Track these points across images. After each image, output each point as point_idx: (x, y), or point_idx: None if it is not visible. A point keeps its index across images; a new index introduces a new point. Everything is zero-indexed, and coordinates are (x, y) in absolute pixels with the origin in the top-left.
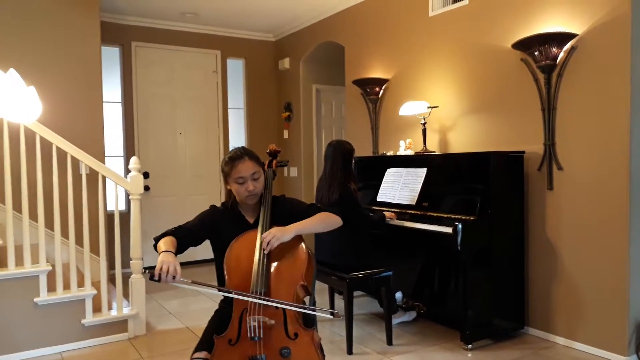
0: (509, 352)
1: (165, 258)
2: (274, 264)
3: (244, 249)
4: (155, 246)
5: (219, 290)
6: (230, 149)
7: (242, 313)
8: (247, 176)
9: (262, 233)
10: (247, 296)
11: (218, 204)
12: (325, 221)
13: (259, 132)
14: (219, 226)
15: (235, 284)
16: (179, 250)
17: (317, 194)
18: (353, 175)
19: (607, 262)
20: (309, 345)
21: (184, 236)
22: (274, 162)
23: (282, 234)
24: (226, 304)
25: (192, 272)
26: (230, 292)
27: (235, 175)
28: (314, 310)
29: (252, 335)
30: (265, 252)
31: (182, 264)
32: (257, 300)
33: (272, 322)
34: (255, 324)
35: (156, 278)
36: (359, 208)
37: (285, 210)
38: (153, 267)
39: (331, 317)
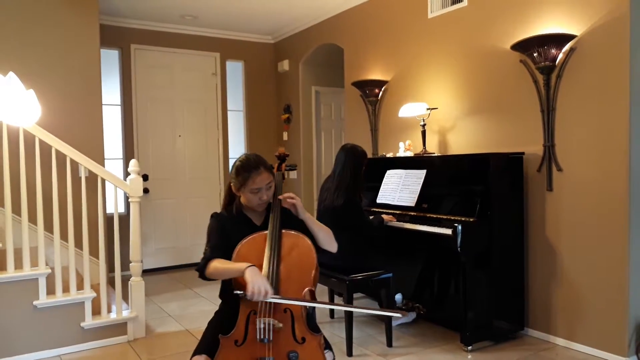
0: (509, 353)
1: (255, 278)
2: (284, 267)
3: (253, 249)
4: (203, 275)
5: (324, 304)
6: (241, 155)
7: (249, 314)
8: (263, 187)
9: (272, 235)
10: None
11: (217, 207)
12: (328, 235)
13: (258, 135)
14: (227, 230)
15: (243, 284)
16: None
17: (321, 193)
18: (361, 182)
19: (607, 263)
20: (316, 350)
21: (221, 256)
22: (283, 165)
23: (300, 204)
24: (227, 304)
25: (190, 275)
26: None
27: (251, 186)
28: (385, 310)
29: (262, 337)
30: (281, 199)
31: (180, 267)
32: (272, 300)
33: (281, 325)
34: (264, 326)
35: (249, 297)
36: (362, 216)
37: (289, 217)
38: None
39: (399, 315)
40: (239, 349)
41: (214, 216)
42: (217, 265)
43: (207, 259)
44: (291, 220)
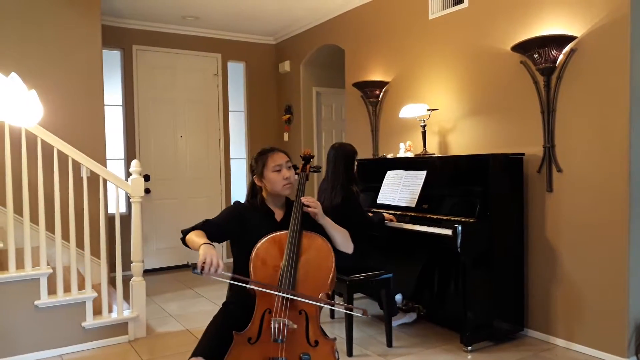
0: (509, 354)
1: (208, 251)
2: (302, 268)
3: (273, 248)
4: (183, 239)
5: (263, 287)
6: (261, 149)
7: (264, 313)
8: (283, 163)
9: (292, 235)
10: (283, 292)
11: (218, 207)
12: (345, 238)
13: (259, 135)
14: (245, 221)
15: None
16: None
17: (319, 196)
18: (355, 177)
19: (607, 264)
20: (329, 355)
21: (212, 232)
22: (308, 166)
23: (321, 212)
24: (236, 299)
25: (190, 275)
26: (278, 290)
27: (271, 164)
28: (347, 307)
29: (277, 337)
30: (304, 203)
31: (181, 267)
32: (288, 296)
33: (295, 326)
34: (279, 326)
35: (198, 271)
36: (361, 211)
37: (308, 218)
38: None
39: (360, 315)
40: (252, 347)
41: (236, 203)
42: (193, 236)
43: (195, 226)
44: (312, 221)
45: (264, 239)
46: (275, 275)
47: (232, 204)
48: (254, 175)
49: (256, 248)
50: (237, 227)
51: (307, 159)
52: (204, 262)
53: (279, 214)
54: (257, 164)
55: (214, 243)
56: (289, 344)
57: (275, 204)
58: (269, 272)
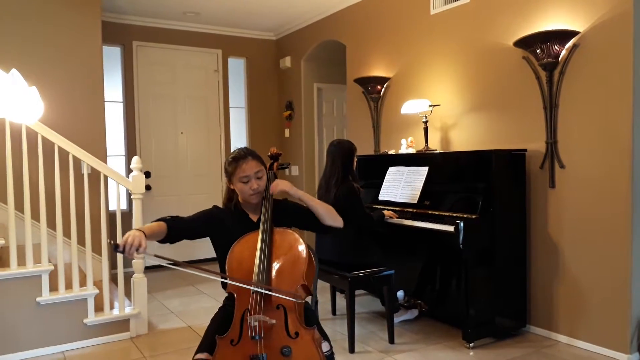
0: (511, 350)
1: (132, 232)
2: (275, 264)
3: (246, 249)
4: None
5: (186, 268)
6: (233, 150)
7: (244, 313)
8: (251, 175)
9: (263, 234)
10: (235, 280)
11: (218, 203)
12: (329, 211)
13: (260, 131)
14: (222, 225)
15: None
16: (171, 239)
17: (318, 192)
18: (353, 173)
19: (610, 260)
20: (309, 344)
21: (179, 227)
22: (275, 164)
23: (289, 186)
24: (230, 301)
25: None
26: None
27: (239, 174)
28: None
29: (253, 334)
30: (271, 192)
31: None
32: (253, 288)
33: (273, 321)
34: (256, 323)
35: (120, 249)
36: (359, 205)
37: (288, 211)
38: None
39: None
40: (235, 348)
41: (214, 207)
42: (150, 224)
43: (162, 218)
44: (286, 214)
45: (237, 241)
46: (250, 275)
47: (211, 207)
48: (226, 178)
49: (230, 250)
50: (209, 228)
51: (274, 157)
52: (125, 242)
53: (254, 215)
54: (228, 169)
55: (183, 240)
56: (268, 339)
57: (251, 206)
58: (244, 272)
